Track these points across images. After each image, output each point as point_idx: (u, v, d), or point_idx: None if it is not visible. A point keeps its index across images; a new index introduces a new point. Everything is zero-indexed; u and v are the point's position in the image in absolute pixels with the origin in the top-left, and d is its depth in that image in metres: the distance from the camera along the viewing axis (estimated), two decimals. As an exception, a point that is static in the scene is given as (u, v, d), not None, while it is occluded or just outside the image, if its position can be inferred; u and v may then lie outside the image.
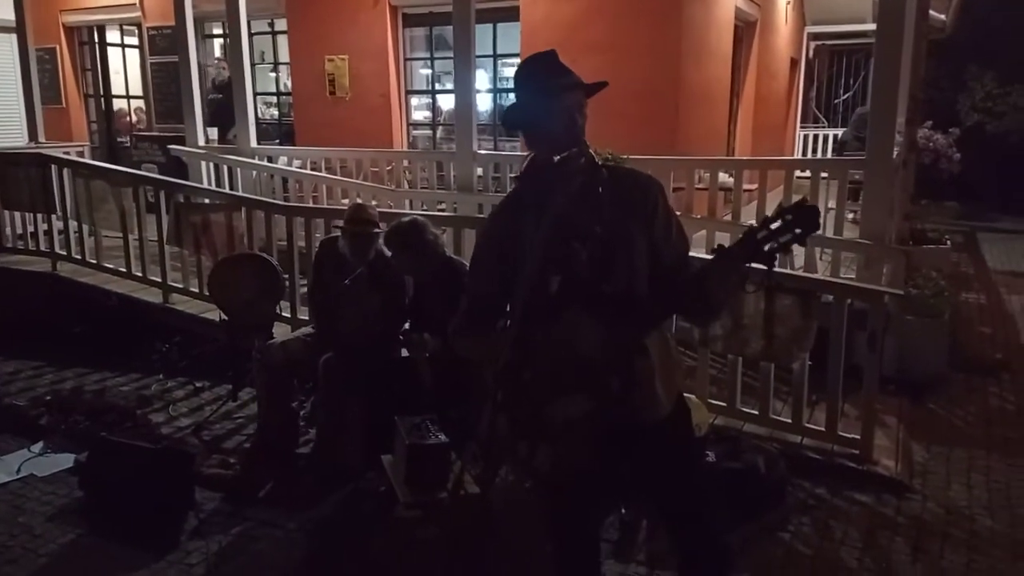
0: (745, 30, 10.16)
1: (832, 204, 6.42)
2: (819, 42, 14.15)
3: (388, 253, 3.90)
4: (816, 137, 13.30)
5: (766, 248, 1.83)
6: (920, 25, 5.11)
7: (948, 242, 7.07)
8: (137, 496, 3.59)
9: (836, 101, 14.77)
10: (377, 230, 3.97)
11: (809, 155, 12.86)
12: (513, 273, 2.12)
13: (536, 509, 2.70)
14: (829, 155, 12.37)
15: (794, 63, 13.00)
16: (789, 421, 4.24)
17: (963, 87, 13.94)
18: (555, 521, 2.36)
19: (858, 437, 4.08)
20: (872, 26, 12.70)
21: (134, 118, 11.46)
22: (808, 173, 5.94)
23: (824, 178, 5.79)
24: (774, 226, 1.82)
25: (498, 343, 2.20)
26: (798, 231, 1.81)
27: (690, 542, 2.32)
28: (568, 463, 2.11)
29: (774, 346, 4.14)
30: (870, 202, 5.14)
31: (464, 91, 6.36)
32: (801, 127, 13.63)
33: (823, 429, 4.14)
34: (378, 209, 4.39)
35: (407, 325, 4.00)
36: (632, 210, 2.09)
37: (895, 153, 5.40)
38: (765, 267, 1.86)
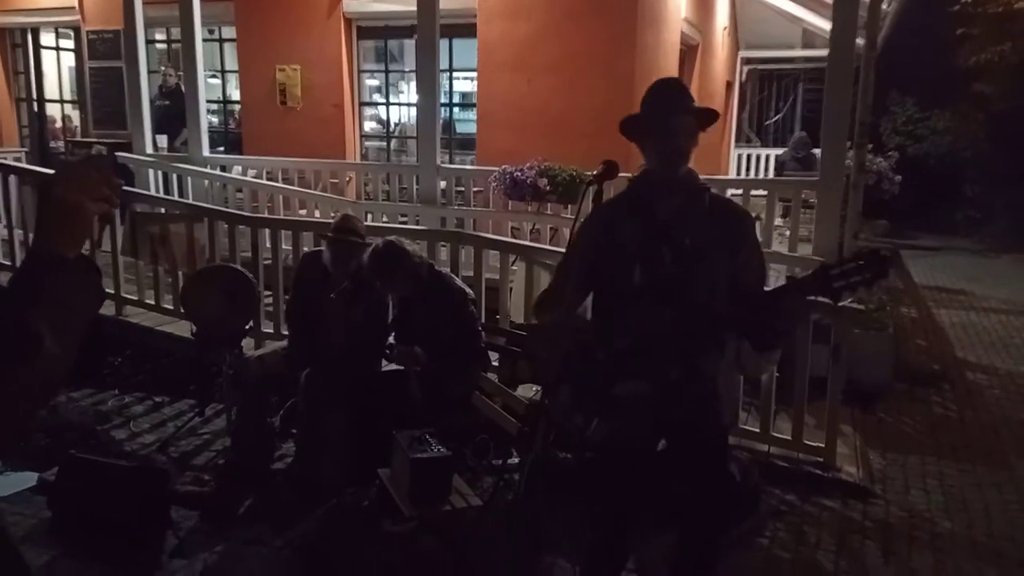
0: (688, 53, 10.51)
1: (778, 222, 6.72)
2: (751, 66, 14.74)
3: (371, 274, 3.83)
4: (749, 157, 13.81)
5: (835, 285, 1.95)
6: (869, 54, 5.41)
7: (880, 259, 7.46)
8: (112, 516, 3.48)
9: (767, 123, 15.37)
10: (362, 242, 3.95)
11: (743, 174, 13.36)
12: (606, 263, 2.27)
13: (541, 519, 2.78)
14: (763, 174, 12.90)
15: (729, 86, 13.49)
16: (757, 430, 4.40)
17: (885, 111, 14.70)
18: (592, 512, 2.47)
19: (822, 445, 4.27)
20: (801, 52, 13.47)
21: (58, 124, 11.06)
22: (740, 191, 6.24)
23: (754, 196, 6.10)
24: (847, 267, 1.94)
25: (579, 323, 2.32)
26: (867, 276, 1.93)
27: (691, 547, 2.44)
28: (619, 438, 2.26)
29: (743, 358, 4.30)
30: (823, 221, 5.41)
31: (428, 104, 6.39)
32: (735, 146, 14.13)
33: (789, 438, 4.32)
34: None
35: (391, 339, 4.00)
36: (723, 234, 2.25)
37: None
38: (831, 302, 1.99)
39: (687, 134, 2.22)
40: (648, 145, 2.27)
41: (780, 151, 11.52)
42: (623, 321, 2.21)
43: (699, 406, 2.28)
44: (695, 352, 2.24)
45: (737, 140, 14.41)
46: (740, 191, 6.23)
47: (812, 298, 2.09)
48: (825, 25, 8.81)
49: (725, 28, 12.38)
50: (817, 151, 6.59)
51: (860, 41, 5.80)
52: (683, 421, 2.27)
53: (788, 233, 5.99)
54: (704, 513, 2.43)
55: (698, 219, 2.24)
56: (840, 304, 4.71)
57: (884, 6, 8.86)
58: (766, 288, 2.28)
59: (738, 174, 13.40)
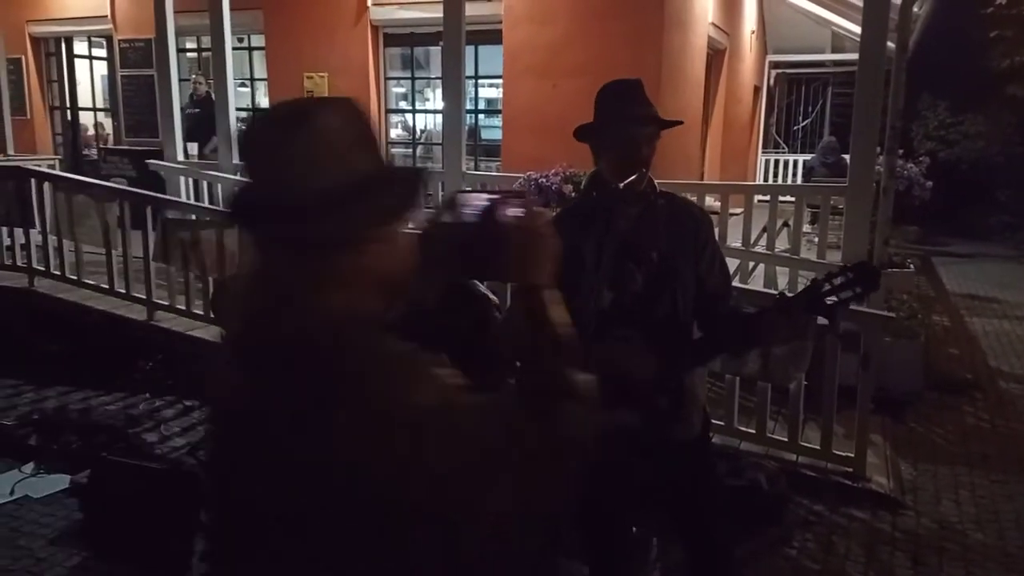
0: (715, 57, 10.45)
1: (807, 228, 6.65)
2: (779, 70, 14.63)
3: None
4: (777, 162, 13.71)
5: (827, 302, 1.91)
6: (900, 57, 5.34)
7: (911, 266, 7.34)
8: (143, 518, 3.52)
9: (795, 127, 15.22)
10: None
11: (771, 179, 13.26)
12: (567, 285, 2.20)
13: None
14: (790, 180, 12.81)
15: (756, 90, 13.40)
16: (785, 439, 4.35)
17: (917, 116, 14.49)
18: (588, 534, 2.42)
19: (851, 455, 4.21)
20: (830, 56, 13.34)
21: (91, 132, 11.27)
22: (768, 197, 6.19)
23: (782, 202, 6.03)
24: (836, 282, 1.90)
25: None
26: (858, 289, 1.88)
27: (702, 555, 2.40)
28: (603, 472, 2.18)
29: (771, 366, 4.26)
30: (852, 227, 5.32)
31: (453, 111, 6.42)
32: (763, 152, 14.03)
33: (817, 447, 4.27)
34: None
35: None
36: (685, 240, 2.19)
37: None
38: (827, 321, 1.94)
39: (649, 144, 2.12)
40: (605, 154, 2.17)
41: (809, 156, 11.42)
42: (597, 349, 2.13)
43: (681, 417, 2.23)
44: (680, 373, 2.17)
45: (765, 145, 14.32)
46: (768, 197, 6.18)
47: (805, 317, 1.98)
48: (855, 28, 8.73)
49: (753, 32, 12.31)
50: (846, 156, 6.51)
51: (891, 44, 5.72)
52: (667, 437, 2.21)
53: (817, 240, 5.93)
54: (701, 515, 2.39)
55: (659, 227, 2.16)
56: (878, 314, 4.67)
57: (916, 8, 8.74)
58: (733, 283, 2.21)
59: (766, 180, 13.31)
